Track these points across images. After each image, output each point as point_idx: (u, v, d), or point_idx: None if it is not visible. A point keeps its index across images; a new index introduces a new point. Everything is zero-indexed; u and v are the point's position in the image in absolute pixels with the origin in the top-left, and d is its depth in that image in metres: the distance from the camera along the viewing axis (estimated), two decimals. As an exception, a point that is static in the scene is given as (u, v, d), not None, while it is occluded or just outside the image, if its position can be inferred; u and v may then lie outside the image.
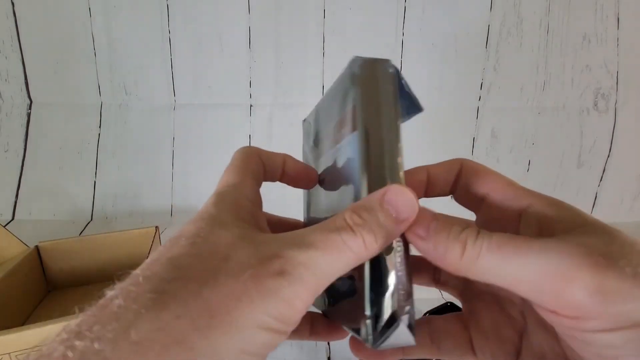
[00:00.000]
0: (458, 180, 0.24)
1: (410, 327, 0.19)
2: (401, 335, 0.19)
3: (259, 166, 0.24)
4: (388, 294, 0.19)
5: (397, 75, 0.23)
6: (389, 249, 0.20)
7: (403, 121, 0.23)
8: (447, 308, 0.47)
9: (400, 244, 0.20)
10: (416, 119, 0.25)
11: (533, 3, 0.84)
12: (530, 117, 0.89)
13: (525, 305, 0.22)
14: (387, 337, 0.19)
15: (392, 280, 0.19)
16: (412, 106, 0.24)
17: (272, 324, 0.16)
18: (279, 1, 0.84)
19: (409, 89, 0.24)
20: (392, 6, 0.84)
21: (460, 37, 0.85)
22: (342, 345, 0.56)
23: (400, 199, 0.19)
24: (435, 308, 0.47)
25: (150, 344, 0.14)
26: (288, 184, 0.27)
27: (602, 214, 0.90)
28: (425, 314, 0.46)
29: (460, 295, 0.26)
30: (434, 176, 0.24)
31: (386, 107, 0.22)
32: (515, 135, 0.89)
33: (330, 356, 0.55)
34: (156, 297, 0.15)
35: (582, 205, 0.90)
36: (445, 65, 0.86)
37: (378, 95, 0.22)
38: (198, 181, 0.90)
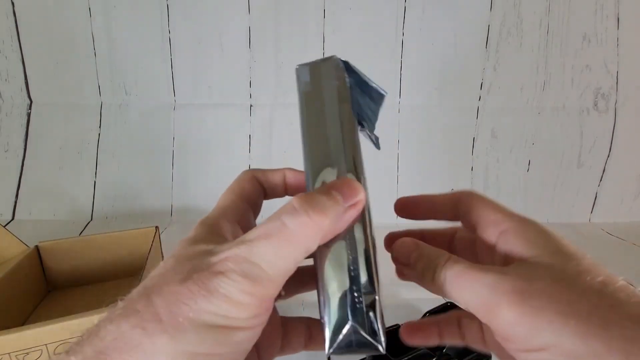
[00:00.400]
0: (457, 209, 0.27)
1: (372, 331, 0.18)
2: (358, 339, 0.18)
3: (254, 186, 0.26)
4: (337, 296, 0.19)
5: (347, 68, 0.24)
6: (340, 248, 0.19)
7: (376, 109, 0.25)
8: (446, 307, 0.47)
9: (357, 241, 0.20)
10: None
11: (533, 3, 0.84)
12: (530, 117, 0.89)
13: None
14: (340, 342, 0.18)
15: (342, 280, 0.19)
16: (375, 92, 0.25)
17: (218, 321, 0.17)
18: (279, 1, 0.84)
19: (367, 78, 0.25)
20: (392, 6, 0.84)
21: (460, 37, 0.85)
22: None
23: (345, 185, 0.20)
24: (435, 308, 0.47)
25: (110, 352, 0.16)
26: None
27: (602, 214, 0.90)
28: (425, 314, 0.46)
29: None
30: (439, 204, 0.28)
31: (330, 105, 0.23)
32: (515, 135, 0.89)
33: (331, 356, 0.55)
34: (121, 312, 0.17)
35: (582, 205, 0.90)
36: (445, 65, 0.87)
37: (321, 95, 0.23)
38: (198, 181, 0.90)
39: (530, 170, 0.90)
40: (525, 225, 0.22)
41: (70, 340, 0.43)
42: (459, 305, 0.22)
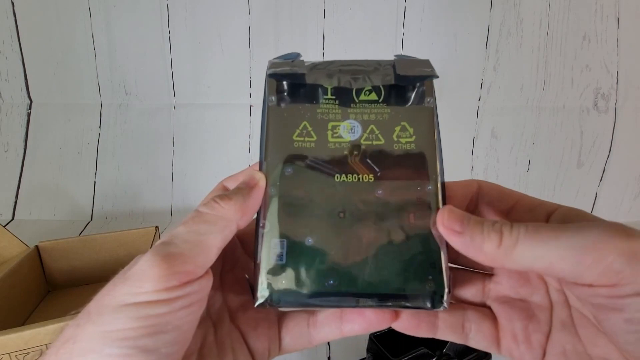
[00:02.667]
0: (478, 199, 0.25)
1: (270, 302, 0.22)
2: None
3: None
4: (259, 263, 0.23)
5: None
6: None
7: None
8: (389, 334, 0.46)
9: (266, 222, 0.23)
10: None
11: (533, 3, 0.84)
12: (530, 117, 0.89)
13: (552, 308, 0.23)
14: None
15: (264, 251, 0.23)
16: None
17: (130, 299, 0.18)
18: (279, 1, 0.84)
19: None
20: (392, 6, 0.84)
21: (460, 37, 0.85)
22: (342, 345, 0.56)
23: (247, 174, 0.24)
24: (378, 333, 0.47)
25: (54, 349, 0.18)
26: None
27: (602, 214, 0.90)
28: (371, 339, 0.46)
29: (484, 303, 0.26)
30: (452, 191, 0.25)
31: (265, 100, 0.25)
32: (515, 135, 0.89)
33: (330, 356, 0.55)
34: (76, 315, 0.19)
35: (582, 205, 0.90)
36: (445, 65, 0.87)
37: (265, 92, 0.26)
38: (198, 181, 0.90)
39: (530, 170, 0.90)
40: (572, 208, 0.22)
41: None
42: (533, 269, 0.20)
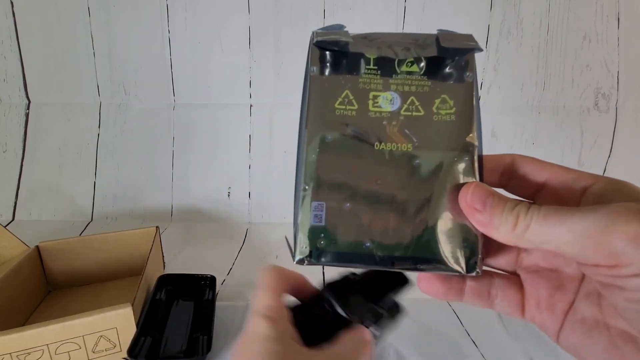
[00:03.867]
0: (511, 172, 0.26)
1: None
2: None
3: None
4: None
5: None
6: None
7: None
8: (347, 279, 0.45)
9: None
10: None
11: (533, 3, 0.84)
12: (530, 117, 0.89)
13: (582, 280, 0.24)
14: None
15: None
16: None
17: None
18: (279, 1, 0.84)
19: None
20: (392, 6, 0.84)
21: (461, 37, 0.85)
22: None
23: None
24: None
25: None
26: None
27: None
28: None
29: (515, 271, 0.27)
30: (485, 162, 0.26)
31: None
32: (515, 135, 0.89)
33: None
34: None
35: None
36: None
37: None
38: (198, 181, 0.90)
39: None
40: (616, 181, 0.22)
41: (70, 340, 0.43)
42: (547, 248, 0.21)
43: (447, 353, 0.53)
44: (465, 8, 0.84)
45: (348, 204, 0.24)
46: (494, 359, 0.52)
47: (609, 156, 0.89)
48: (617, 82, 0.87)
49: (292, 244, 0.24)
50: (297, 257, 0.24)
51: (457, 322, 0.58)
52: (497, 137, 0.89)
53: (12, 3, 0.82)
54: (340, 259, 0.24)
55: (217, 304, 0.56)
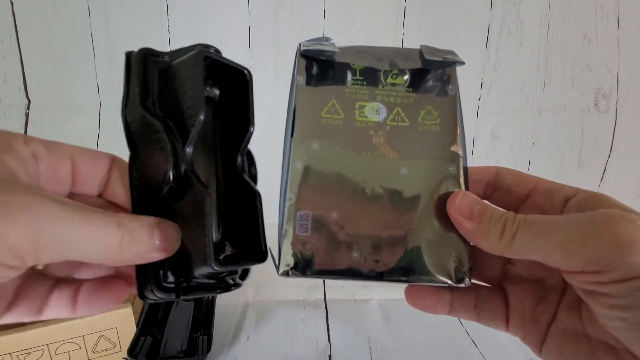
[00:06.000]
0: (495, 183, 0.26)
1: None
2: None
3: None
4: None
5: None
6: None
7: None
8: None
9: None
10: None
11: (533, 3, 0.84)
12: (530, 117, 0.89)
13: (564, 291, 0.24)
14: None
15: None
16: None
17: None
18: (279, 1, 0.84)
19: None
20: (392, 6, 0.84)
21: (460, 37, 0.85)
22: (342, 344, 0.56)
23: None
24: None
25: None
26: None
27: (603, 214, 0.90)
28: None
29: (500, 283, 0.27)
30: (470, 175, 0.26)
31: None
32: (515, 135, 0.89)
33: (331, 354, 0.55)
34: None
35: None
36: (446, 65, 0.86)
37: None
38: (198, 181, 0.89)
39: (530, 170, 0.90)
40: (596, 194, 0.23)
41: (70, 340, 0.43)
42: (533, 258, 0.21)
43: (447, 353, 0.53)
44: (465, 8, 0.84)
45: (335, 214, 0.23)
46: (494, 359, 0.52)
47: (609, 156, 0.89)
48: (617, 82, 0.87)
49: (275, 256, 0.23)
50: (282, 269, 0.23)
51: (457, 322, 0.58)
52: (497, 137, 0.89)
53: (12, 3, 0.82)
54: (326, 270, 0.23)
55: (217, 304, 0.56)
